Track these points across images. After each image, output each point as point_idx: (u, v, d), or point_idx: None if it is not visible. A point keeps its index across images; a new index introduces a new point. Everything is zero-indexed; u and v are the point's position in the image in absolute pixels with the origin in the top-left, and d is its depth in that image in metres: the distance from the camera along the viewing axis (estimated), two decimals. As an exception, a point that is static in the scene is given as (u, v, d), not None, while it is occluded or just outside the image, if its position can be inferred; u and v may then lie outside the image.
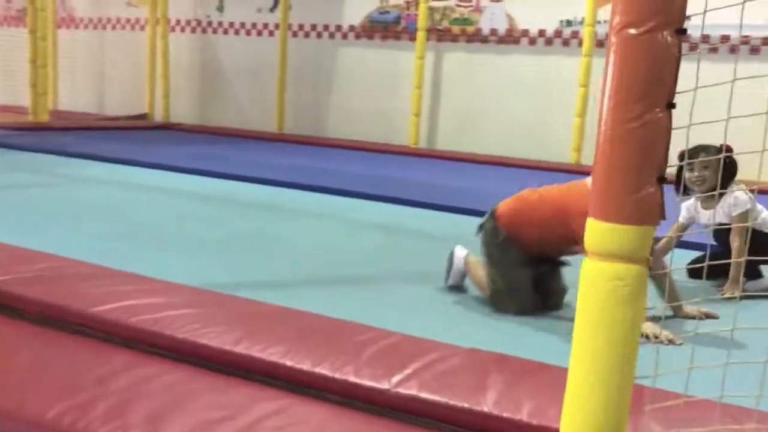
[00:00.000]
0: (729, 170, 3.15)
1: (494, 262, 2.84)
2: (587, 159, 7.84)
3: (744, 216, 3.16)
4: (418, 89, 8.47)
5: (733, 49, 7.34)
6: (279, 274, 3.13)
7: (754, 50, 7.32)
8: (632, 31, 1.21)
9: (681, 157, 3.24)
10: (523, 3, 8.20)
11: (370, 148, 8.48)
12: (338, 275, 3.18)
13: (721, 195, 3.18)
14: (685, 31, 1.26)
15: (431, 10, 8.49)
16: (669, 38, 1.23)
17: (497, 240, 2.85)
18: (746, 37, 7.29)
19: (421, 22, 8.30)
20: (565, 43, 8.07)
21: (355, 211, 4.87)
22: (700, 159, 3.04)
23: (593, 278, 1.28)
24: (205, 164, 6.33)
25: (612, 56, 1.23)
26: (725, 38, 7.35)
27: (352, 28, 9.15)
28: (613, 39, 1.23)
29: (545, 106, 8.17)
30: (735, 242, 3.18)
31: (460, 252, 3.05)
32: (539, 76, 8.18)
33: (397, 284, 3.11)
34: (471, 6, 8.48)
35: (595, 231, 1.27)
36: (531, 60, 8.22)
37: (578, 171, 7.51)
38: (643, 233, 1.25)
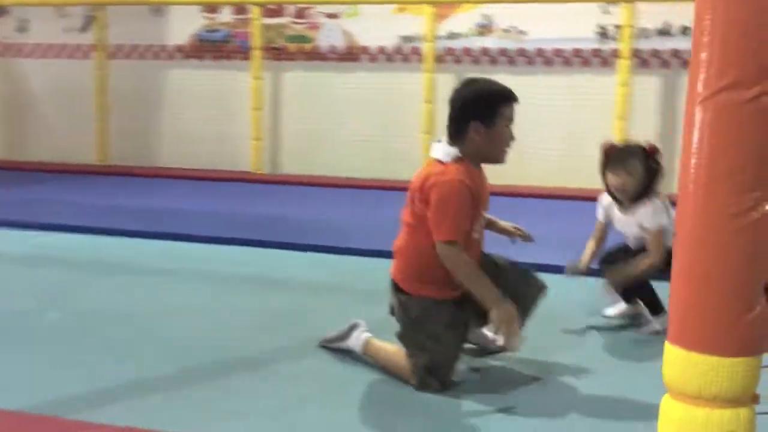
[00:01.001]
0: (653, 179, 2.94)
1: (414, 341, 2.42)
2: (438, 176, 7.72)
3: (658, 234, 2.93)
4: (258, 111, 7.94)
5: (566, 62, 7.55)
6: (147, 375, 2.51)
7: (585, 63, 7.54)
8: (737, 95, 0.88)
9: (605, 153, 3.05)
10: (361, 19, 7.93)
11: (208, 176, 7.82)
12: (220, 364, 2.63)
13: (639, 203, 2.98)
14: None
15: (265, 27, 7.99)
16: None
17: (412, 316, 2.44)
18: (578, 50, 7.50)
19: (255, 41, 7.79)
20: (406, 59, 7.90)
21: (214, 262, 4.29)
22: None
23: (688, 429, 0.92)
24: (18, 213, 5.40)
25: (699, 128, 0.89)
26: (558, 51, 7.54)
27: (178, 48, 8.42)
28: (699, 106, 0.89)
29: (391, 124, 7.96)
30: (648, 258, 2.94)
31: (361, 335, 2.60)
32: (383, 93, 7.95)
33: (293, 365, 2.63)
34: (307, 23, 8.08)
35: (688, 367, 0.91)
36: (373, 77, 7.98)
37: (430, 189, 7.36)
38: (754, 366, 0.92)
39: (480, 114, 2.33)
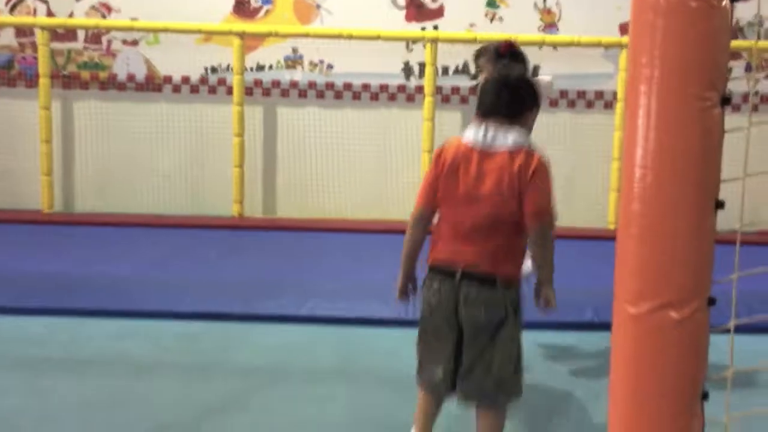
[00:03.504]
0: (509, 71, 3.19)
1: (517, 340, 2.36)
2: (250, 210, 7.54)
3: None
4: (47, 144, 7.24)
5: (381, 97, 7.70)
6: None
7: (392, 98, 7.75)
8: (674, 314, 0.90)
9: (476, 55, 3.24)
10: (162, 48, 7.53)
11: (-10, 218, 6.98)
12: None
13: None
14: (714, 301, 1.00)
15: (53, 52, 7.32)
16: (705, 316, 0.95)
17: (518, 309, 2.35)
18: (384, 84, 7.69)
19: (43, 68, 7.10)
20: (212, 90, 7.63)
21: (4, 340, 3.77)
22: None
23: None
24: None
25: (626, 342, 0.89)
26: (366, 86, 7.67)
27: (-54, 72, 7.47)
28: (627, 320, 0.89)
29: (198, 158, 7.64)
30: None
31: None
32: (189, 125, 7.62)
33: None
34: (101, 49, 7.52)
35: None
36: (177, 109, 7.61)
37: (242, 225, 7.19)
38: None
39: (536, 102, 2.44)
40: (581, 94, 7.59)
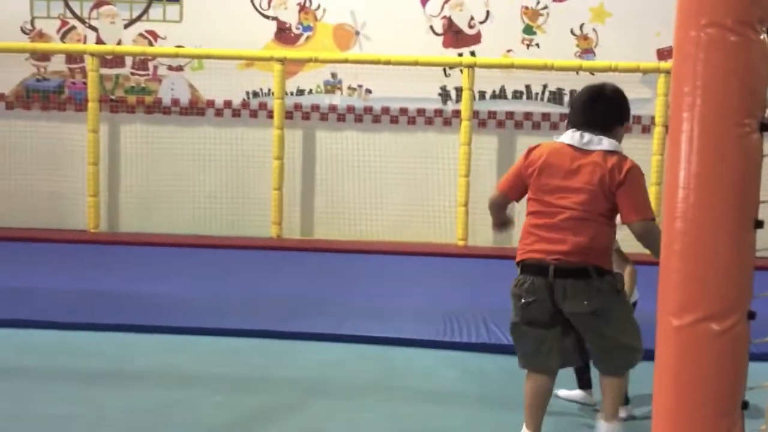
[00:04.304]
0: None
1: (629, 313, 2.52)
2: (289, 231, 7.66)
3: None
4: (94, 166, 7.47)
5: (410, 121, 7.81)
6: None
7: (429, 122, 7.83)
8: (715, 326, 0.96)
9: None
10: (205, 73, 7.75)
11: (40, 237, 7.20)
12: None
13: None
14: (754, 314, 1.05)
15: (102, 78, 7.58)
16: (745, 328, 1.01)
17: (619, 289, 2.49)
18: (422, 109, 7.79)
19: (92, 92, 7.35)
20: (254, 114, 7.81)
21: (58, 353, 3.88)
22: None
23: None
24: None
25: (669, 353, 0.95)
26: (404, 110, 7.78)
27: (1, 96, 7.76)
28: (671, 331, 0.95)
29: (239, 180, 7.81)
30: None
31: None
32: (230, 148, 7.80)
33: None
34: (148, 75, 7.76)
35: None
36: (219, 132, 7.80)
37: (280, 246, 7.32)
38: None
39: (627, 118, 2.55)
40: (618, 119, 7.60)
